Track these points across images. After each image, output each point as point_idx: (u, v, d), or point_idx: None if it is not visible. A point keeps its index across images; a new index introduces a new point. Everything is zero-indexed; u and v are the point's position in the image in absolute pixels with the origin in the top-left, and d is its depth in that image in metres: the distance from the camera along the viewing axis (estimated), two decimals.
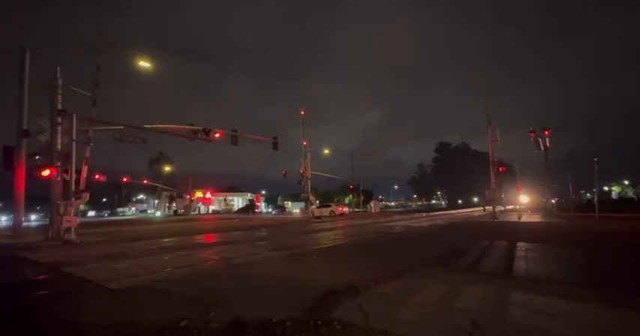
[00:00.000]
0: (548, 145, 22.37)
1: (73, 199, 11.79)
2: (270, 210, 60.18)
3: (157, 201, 64.73)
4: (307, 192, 31.83)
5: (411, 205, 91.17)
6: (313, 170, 34.46)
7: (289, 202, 65.34)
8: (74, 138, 12.30)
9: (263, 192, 76.86)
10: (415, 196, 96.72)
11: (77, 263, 6.97)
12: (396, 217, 27.78)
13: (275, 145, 25.23)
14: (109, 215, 61.54)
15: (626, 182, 68.99)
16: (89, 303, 4.14)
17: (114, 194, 76.21)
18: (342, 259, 6.88)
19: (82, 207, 21.28)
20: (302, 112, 32.62)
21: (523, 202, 42.92)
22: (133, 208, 72.75)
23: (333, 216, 30.38)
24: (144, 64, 15.25)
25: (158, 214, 57.48)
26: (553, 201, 27.81)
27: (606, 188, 68.76)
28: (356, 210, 46.10)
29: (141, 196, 74.35)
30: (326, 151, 40.17)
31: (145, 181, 54.52)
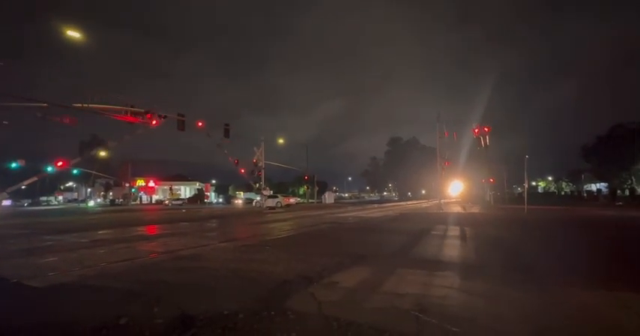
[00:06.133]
0: (488, 142, 24.61)
1: None
2: (220, 200, 57.89)
3: (89, 190, 58.29)
4: (261, 182, 31.25)
5: (364, 197, 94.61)
6: (268, 160, 33.85)
7: (241, 193, 63.51)
8: None
9: (213, 181, 73.59)
10: (368, 188, 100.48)
11: None
12: (350, 208, 28.62)
13: (227, 133, 24.22)
14: (29, 205, 53.76)
15: (550, 178, 79.73)
16: (6, 303, 3.62)
17: (36, 181, 66.77)
18: (296, 249, 6.88)
19: None
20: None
21: (453, 194, 47.56)
22: (60, 197, 64.51)
23: (281, 206, 30.56)
24: (72, 33, 13.51)
25: (91, 203, 51.88)
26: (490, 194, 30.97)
27: (534, 183, 78.86)
28: (310, 201, 46.54)
29: (70, 184, 66.24)
30: (280, 141, 39.58)
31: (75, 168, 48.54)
